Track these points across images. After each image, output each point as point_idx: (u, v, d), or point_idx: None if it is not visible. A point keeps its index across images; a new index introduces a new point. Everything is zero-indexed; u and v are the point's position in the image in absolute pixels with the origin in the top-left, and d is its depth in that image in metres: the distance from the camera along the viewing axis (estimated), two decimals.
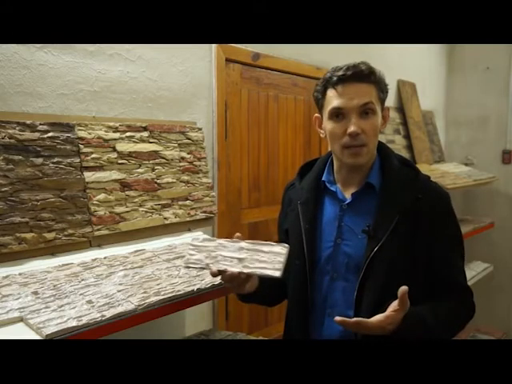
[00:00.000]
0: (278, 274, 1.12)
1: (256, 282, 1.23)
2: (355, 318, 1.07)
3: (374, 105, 1.20)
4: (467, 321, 1.27)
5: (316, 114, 1.30)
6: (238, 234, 1.22)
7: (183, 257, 1.52)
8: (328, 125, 1.24)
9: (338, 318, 1.06)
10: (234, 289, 1.24)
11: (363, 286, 1.18)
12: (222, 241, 1.22)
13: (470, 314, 1.28)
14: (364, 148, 1.20)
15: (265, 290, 1.28)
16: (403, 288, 1.05)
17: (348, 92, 1.19)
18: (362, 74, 1.19)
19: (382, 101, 1.25)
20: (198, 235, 1.28)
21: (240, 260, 1.17)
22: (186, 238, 1.69)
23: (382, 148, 1.31)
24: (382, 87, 1.24)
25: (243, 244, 1.19)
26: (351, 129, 1.18)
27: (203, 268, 1.21)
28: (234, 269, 1.16)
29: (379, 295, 1.14)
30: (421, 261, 1.19)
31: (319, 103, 1.27)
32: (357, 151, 1.20)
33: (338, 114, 1.21)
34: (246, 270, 1.15)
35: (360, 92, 1.19)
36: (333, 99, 1.21)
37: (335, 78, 1.20)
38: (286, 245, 1.16)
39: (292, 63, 2.50)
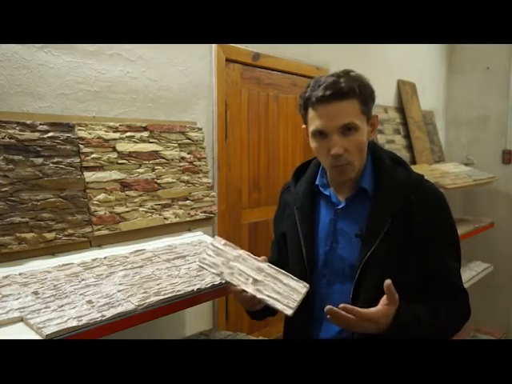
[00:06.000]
0: (289, 312, 1.08)
1: None
2: (349, 306, 1.05)
3: (355, 123, 1.17)
4: (463, 323, 1.26)
5: (303, 126, 1.27)
6: (263, 257, 1.20)
7: (184, 257, 1.52)
8: (312, 143, 1.23)
9: (328, 308, 1.04)
10: (244, 304, 1.22)
11: (358, 288, 1.19)
12: (243, 253, 1.18)
13: (466, 315, 1.26)
14: (349, 166, 1.20)
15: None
16: (387, 282, 1.05)
17: (328, 113, 1.16)
18: (342, 93, 1.14)
19: (367, 111, 1.21)
20: (216, 238, 1.23)
21: (255, 281, 1.13)
22: (186, 237, 1.70)
23: (373, 148, 1.30)
24: (365, 98, 1.19)
25: (264, 266, 1.15)
26: (333, 151, 1.16)
27: (216, 274, 1.18)
28: (249, 290, 1.12)
29: (374, 297, 1.13)
30: (415, 261, 1.19)
31: (303, 118, 1.25)
32: (342, 169, 1.20)
33: (320, 133, 1.19)
34: (258, 295, 1.11)
35: (340, 112, 1.15)
36: (314, 120, 1.18)
37: (314, 99, 1.16)
38: (307, 284, 1.12)
39: (292, 63, 2.50)
